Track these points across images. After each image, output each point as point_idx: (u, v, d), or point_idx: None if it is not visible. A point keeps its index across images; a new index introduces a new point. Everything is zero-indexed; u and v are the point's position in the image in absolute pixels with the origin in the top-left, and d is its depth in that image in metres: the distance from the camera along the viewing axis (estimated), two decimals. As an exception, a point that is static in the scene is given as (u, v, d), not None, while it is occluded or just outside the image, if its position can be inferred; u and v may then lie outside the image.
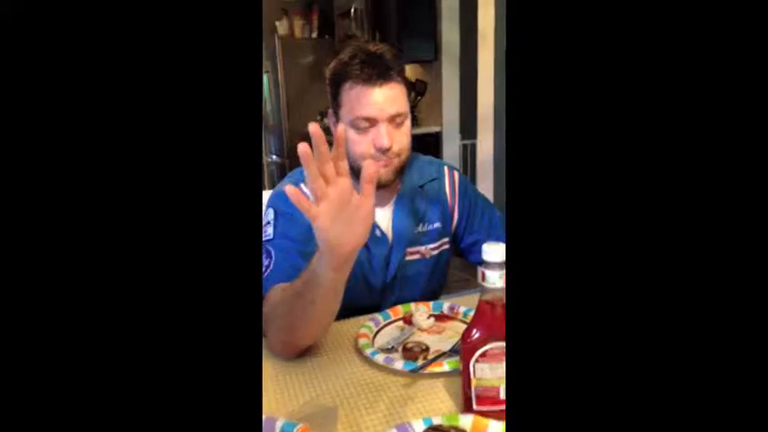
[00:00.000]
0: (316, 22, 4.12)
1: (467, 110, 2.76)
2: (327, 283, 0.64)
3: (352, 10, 3.21)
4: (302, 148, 0.55)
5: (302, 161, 0.55)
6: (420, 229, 0.96)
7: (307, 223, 0.86)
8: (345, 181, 0.58)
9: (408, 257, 0.95)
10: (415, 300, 0.92)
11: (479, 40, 2.40)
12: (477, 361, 0.59)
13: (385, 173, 0.86)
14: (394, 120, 0.84)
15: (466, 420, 0.58)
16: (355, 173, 0.86)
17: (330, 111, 0.90)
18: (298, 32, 4.19)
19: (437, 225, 0.97)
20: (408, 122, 0.88)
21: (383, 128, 0.83)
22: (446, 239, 0.99)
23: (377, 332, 0.82)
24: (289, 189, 0.56)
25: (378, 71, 0.82)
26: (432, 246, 0.97)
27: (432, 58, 2.86)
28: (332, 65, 0.87)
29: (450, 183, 1.00)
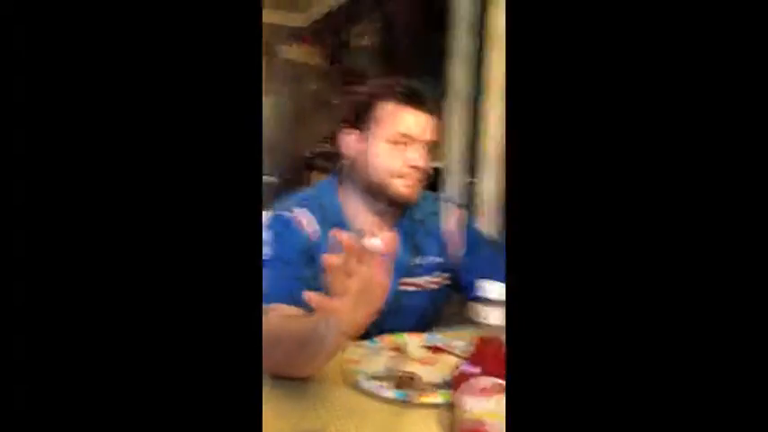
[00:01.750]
0: (326, 52, 4.21)
1: (471, 149, 2.80)
2: (335, 348, 0.65)
3: (365, 44, 3.29)
4: (328, 261, 0.54)
5: (329, 270, 0.55)
6: (416, 261, 0.97)
7: (300, 248, 0.88)
8: (365, 269, 0.57)
9: (402, 287, 0.96)
10: (406, 330, 0.93)
11: (487, 87, 2.47)
12: (468, 395, 0.60)
13: (411, 193, 0.91)
14: (426, 145, 0.91)
15: (453, 453, 0.59)
16: (374, 191, 0.89)
17: (349, 130, 0.94)
18: (307, 59, 4.27)
19: (436, 259, 0.99)
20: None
21: (420, 147, 0.89)
22: (446, 275, 1.00)
23: (368, 358, 0.83)
24: (308, 295, 0.54)
25: (421, 100, 0.90)
26: (429, 278, 0.98)
27: (441, 97, 2.92)
28: (371, 84, 0.94)
29: (455, 218, 1.02)
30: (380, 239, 0.59)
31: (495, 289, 0.60)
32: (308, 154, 3.85)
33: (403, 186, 0.90)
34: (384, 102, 0.90)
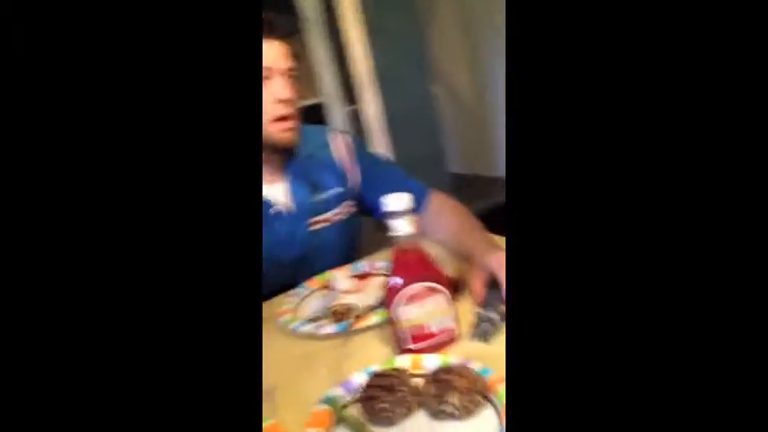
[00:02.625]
0: None
1: (344, 77, 2.76)
2: None
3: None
4: None
5: None
6: (318, 197, 0.96)
7: None
8: None
9: (314, 228, 0.95)
10: (331, 268, 0.94)
11: (344, 8, 2.40)
12: (401, 306, 0.62)
13: (290, 137, 0.88)
14: (288, 73, 0.86)
15: (403, 361, 0.61)
16: None
17: None
18: None
19: (337, 190, 0.98)
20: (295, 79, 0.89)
21: (282, 77, 0.85)
22: (350, 202, 1.00)
23: (298, 305, 0.83)
24: None
25: (270, 28, 0.84)
26: (335, 211, 0.98)
27: (295, 31, 2.81)
28: None
29: (343, 146, 1.01)
30: None
31: (397, 200, 0.61)
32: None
33: (281, 132, 0.86)
34: None
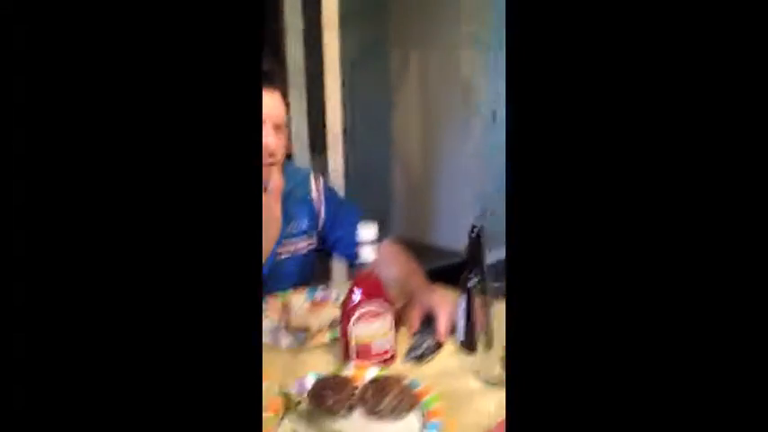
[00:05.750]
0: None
1: (314, 127, 2.91)
2: None
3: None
4: None
5: None
6: (290, 228, 1.06)
7: None
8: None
9: (280, 256, 1.04)
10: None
11: (326, 62, 2.58)
12: (354, 322, 0.73)
13: (268, 171, 0.96)
14: (278, 123, 0.96)
15: (347, 370, 0.71)
16: None
17: None
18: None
19: (305, 225, 1.08)
20: (285, 128, 0.99)
21: (269, 128, 0.94)
22: (314, 238, 1.11)
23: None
24: None
25: (267, 77, 0.91)
26: (301, 244, 1.08)
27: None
28: None
29: (315, 187, 1.13)
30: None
31: (368, 231, 0.73)
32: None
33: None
34: None
